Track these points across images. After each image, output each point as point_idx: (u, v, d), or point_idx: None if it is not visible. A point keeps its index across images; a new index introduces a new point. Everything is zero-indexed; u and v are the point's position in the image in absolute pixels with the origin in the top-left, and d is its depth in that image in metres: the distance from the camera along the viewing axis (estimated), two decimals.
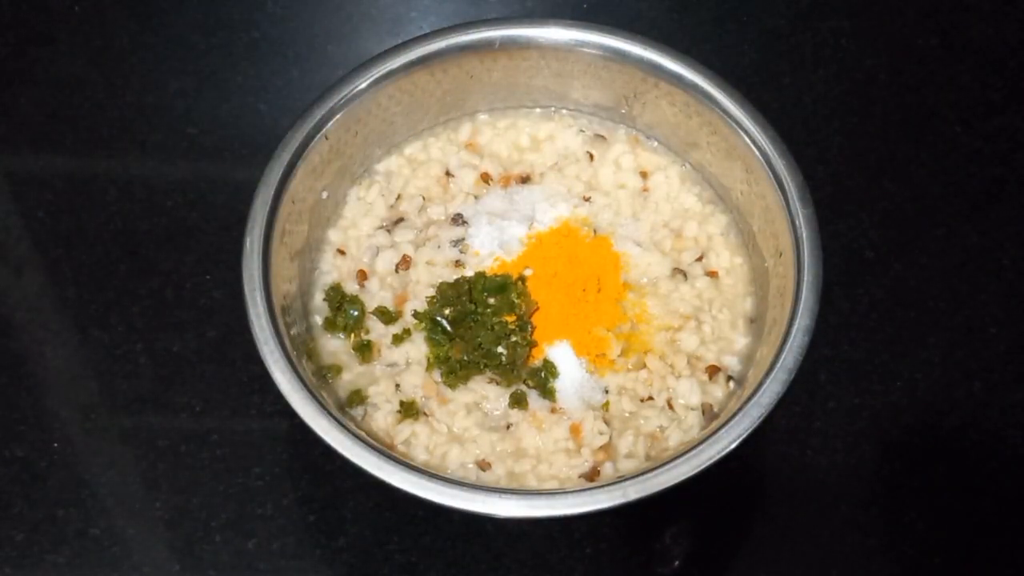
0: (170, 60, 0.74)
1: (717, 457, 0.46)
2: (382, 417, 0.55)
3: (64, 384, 0.62)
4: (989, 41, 0.74)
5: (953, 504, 0.59)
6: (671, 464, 0.46)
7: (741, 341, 0.58)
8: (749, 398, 0.48)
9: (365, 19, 0.77)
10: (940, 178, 0.69)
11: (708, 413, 0.55)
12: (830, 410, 0.61)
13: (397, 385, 0.56)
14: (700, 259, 0.60)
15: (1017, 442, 0.61)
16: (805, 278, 0.51)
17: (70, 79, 0.73)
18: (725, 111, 0.57)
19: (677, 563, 0.57)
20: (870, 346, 0.63)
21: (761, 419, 0.47)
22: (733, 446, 0.46)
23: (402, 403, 0.55)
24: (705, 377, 0.56)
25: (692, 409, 0.55)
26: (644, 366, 0.57)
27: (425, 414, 0.55)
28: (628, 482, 0.46)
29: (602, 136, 0.64)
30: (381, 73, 0.58)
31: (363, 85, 0.58)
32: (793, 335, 0.50)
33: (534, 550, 0.57)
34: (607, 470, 0.53)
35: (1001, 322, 0.64)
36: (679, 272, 0.59)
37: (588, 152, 0.64)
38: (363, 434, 0.49)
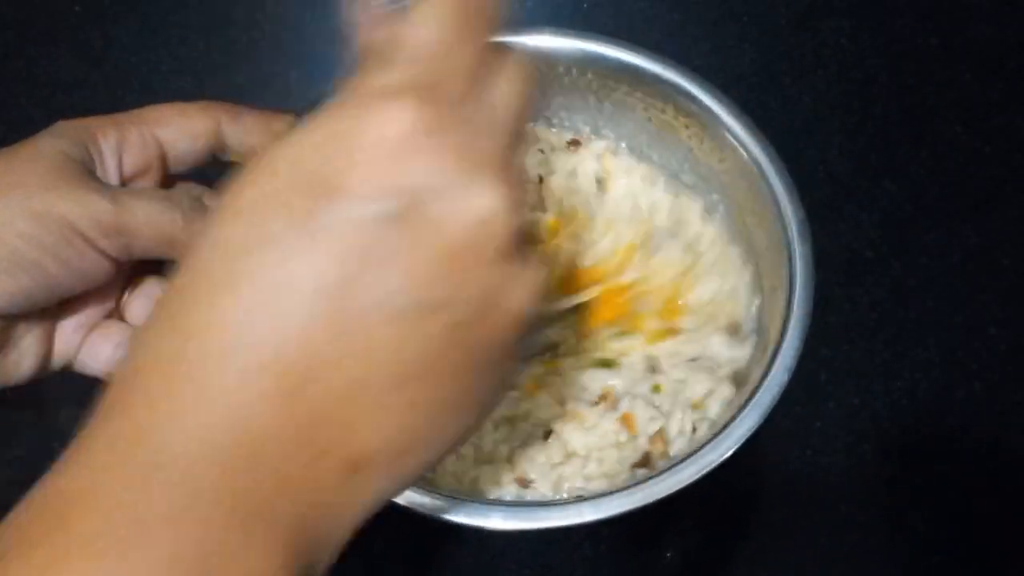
0: (170, 60, 0.74)
1: (716, 463, 0.46)
2: None
3: (64, 384, 0.62)
4: (989, 41, 0.74)
5: (953, 504, 0.59)
6: (669, 472, 0.46)
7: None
8: (747, 402, 0.48)
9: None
10: (940, 178, 0.69)
11: (738, 377, 0.52)
12: (830, 410, 0.61)
13: None
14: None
15: (1017, 442, 0.61)
16: (797, 280, 0.50)
17: (70, 79, 0.73)
18: (735, 137, 0.55)
19: (677, 564, 0.57)
20: (870, 346, 0.63)
21: (759, 423, 0.47)
22: (731, 451, 0.46)
23: None
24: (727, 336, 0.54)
25: (723, 367, 0.53)
26: (678, 332, 0.53)
27: None
28: (622, 493, 0.45)
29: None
30: None
31: None
32: (791, 339, 0.49)
33: (534, 551, 0.57)
34: (658, 454, 0.51)
35: (1001, 322, 0.64)
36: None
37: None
38: None
